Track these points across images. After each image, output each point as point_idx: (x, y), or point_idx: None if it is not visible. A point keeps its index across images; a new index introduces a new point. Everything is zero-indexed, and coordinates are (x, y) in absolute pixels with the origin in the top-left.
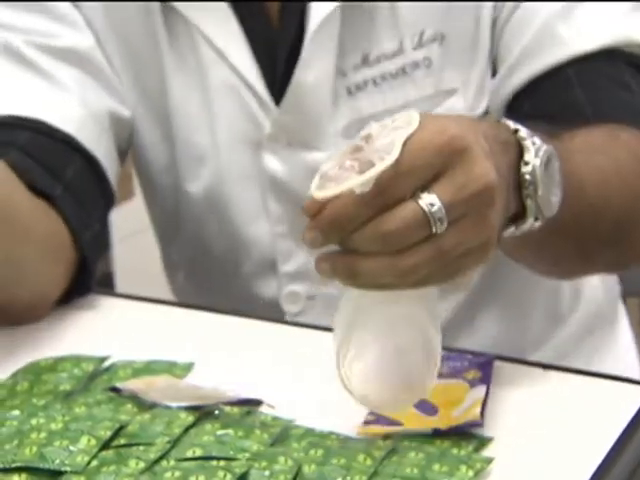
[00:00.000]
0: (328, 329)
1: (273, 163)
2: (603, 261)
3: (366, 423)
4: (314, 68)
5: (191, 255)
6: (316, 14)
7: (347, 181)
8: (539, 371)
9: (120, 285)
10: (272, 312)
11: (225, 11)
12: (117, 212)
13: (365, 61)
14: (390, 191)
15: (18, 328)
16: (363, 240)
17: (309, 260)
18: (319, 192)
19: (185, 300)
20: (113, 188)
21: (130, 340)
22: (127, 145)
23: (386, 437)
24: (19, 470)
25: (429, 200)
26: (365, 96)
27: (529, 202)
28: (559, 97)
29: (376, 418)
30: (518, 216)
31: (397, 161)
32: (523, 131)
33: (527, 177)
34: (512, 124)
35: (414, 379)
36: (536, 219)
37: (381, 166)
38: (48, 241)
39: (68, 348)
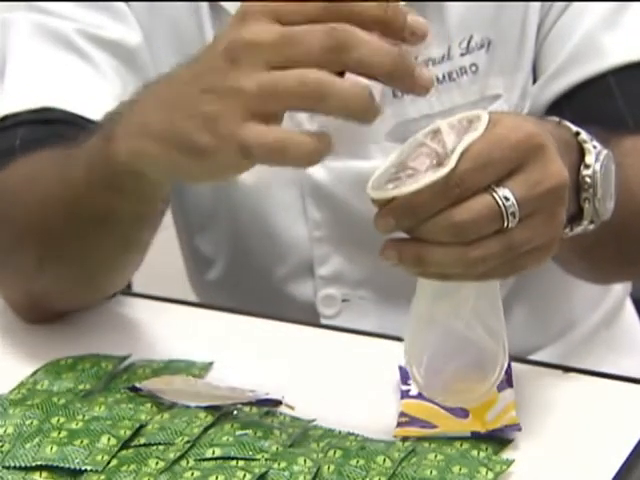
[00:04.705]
0: (346, 330)
1: (315, 168)
2: None
3: (400, 425)
4: None
5: (227, 252)
6: None
7: (425, 178)
8: (559, 373)
9: (134, 285)
10: (307, 314)
11: None
12: None
13: None
14: (466, 183)
15: (38, 327)
16: (435, 229)
17: (345, 264)
18: (397, 190)
19: (209, 298)
20: None
21: (149, 339)
22: None
23: (405, 439)
24: (40, 469)
25: (503, 194)
26: (410, 100)
27: (587, 205)
28: (599, 106)
29: (410, 420)
30: (574, 218)
31: (476, 154)
32: (584, 134)
33: (587, 180)
34: (573, 126)
35: (486, 367)
36: (591, 222)
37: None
38: None
39: (88, 347)
